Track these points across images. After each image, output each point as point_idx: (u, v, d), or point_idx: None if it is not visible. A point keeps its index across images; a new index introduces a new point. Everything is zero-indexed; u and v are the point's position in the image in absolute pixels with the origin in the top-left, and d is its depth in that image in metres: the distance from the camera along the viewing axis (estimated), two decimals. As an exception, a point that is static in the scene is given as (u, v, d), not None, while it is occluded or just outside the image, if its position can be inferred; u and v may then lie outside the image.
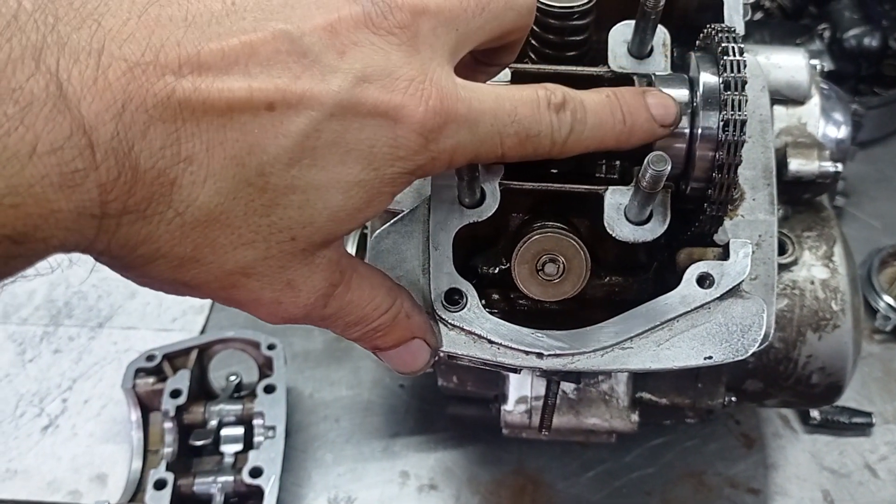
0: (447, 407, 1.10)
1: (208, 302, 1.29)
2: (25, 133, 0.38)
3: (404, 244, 0.64)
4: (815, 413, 1.10)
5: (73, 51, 0.40)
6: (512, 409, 0.91)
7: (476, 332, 0.61)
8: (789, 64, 0.91)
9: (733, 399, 0.91)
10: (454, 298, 0.62)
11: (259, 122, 0.45)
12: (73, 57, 0.40)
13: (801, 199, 0.92)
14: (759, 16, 1.52)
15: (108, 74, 0.41)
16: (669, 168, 0.53)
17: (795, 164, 0.87)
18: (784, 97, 0.91)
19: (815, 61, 0.95)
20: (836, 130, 0.97)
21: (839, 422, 1.10)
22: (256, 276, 0.49)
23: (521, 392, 0.90)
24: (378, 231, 0.66)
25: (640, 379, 0.90)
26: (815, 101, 0.92)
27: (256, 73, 0.45)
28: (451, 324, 0.62)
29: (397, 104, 0.48)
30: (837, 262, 0.89)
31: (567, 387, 0.88)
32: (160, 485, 0.99)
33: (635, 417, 0.89)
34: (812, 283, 0.88)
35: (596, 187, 0.62)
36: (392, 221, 0.66)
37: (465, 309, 0.61)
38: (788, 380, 0.89)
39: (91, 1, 0.43)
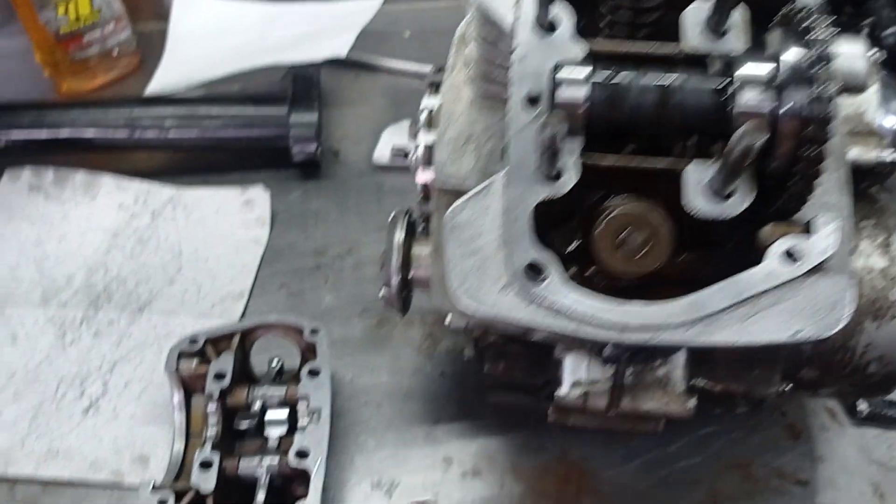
0: (489, 394, 1.10)
1: (247, 289, 1.30)
2: None
3: (481, 218, 0.64)
4: (862, 406, 1.09)
5: None
6: (566, 393, 0.90)
7: (558, 306, 0.61)
8: (848, 52, 0.90)
9: (788, 387, 0.90)
10: (535, 272, 0.62)
11: None
12: None
13: (858, 189, 0.91)
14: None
15: None
16: (764, 139, 0.53)
17: (855, 153, 0.87)
18: (843, 86, 0.91)
19: (871, 51, 0.94)
20: (894, 120, 0.96)
21: (888, 416, 1.09)
22: None
23: (576, 376, 0.89)
24: (454, 205, 0.66)
25: (695, 365, 0.89)
26: (873, 91, 0.91)
27: None
28: (531, 297, 0.61)
29: None
30: (895, 252, 0.88)
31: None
32: (206, 465, 0.98)
33: (692, 403, 0.88)
34: (870, 272, 0.87)
35: (678, 160, 0.62)
36: (467, 196, 0.66)
37: (548, 282, 0.61)
38: (845, 369, 0.89)
39: None
